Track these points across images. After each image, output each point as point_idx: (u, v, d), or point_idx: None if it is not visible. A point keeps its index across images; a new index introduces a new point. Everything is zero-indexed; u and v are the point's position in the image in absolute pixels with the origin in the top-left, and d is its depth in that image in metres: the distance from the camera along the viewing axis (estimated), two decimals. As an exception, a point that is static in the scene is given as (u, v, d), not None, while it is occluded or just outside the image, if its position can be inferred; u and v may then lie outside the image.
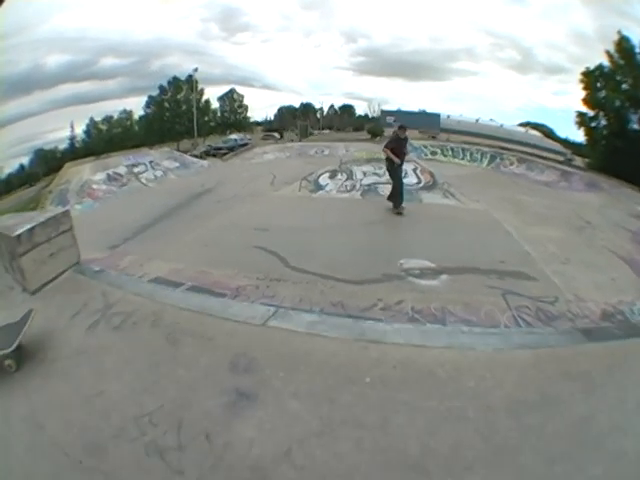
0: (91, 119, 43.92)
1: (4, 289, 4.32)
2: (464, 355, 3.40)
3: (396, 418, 2.78)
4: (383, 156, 9.95)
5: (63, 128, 40.94)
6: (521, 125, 43.05)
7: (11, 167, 35.55)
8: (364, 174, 12.89)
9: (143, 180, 18.62)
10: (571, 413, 2.76)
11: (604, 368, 3.10)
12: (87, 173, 17.69)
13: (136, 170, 19.17)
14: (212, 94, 51.31)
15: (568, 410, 2.78)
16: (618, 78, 21.22)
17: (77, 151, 38.70)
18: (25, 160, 37.60)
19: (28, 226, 4.12)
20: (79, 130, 42.70)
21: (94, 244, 8.37)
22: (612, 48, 21.30)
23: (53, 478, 2.47)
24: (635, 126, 20.53)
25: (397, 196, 9.60)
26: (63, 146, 40.88)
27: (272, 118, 60.80)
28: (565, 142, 33.25)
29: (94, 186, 16.64)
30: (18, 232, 4.04)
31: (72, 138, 42.41)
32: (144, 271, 6.47)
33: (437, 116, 37.67)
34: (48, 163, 35.19)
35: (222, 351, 3.08)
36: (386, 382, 3.05)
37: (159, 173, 19.93)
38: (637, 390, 2.94)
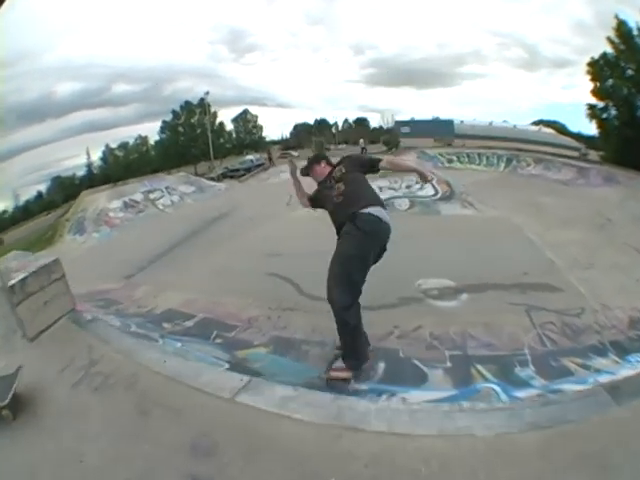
0: (107, 146, 44.66)
1: (8, 332, 4.30)
2: (458, 444, 2.74)
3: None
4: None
5: (79, 155, 41.77)
6: (534, 124, 42.74)
7: (29, 194, 36.45)
8: (380, 189, 12.24)
9: (160, 206, 18.74)
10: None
11: (625, 439, 2.54)
12: (103, 201, 17.95)
13: (152, 196, 19.31)
14: (226, 116, 51.77)
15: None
16: (622, 64, 21.04)
17: (94, 178, 39.31)
18: (43, 187, 38.52)
19: (21, 276, 4.15)
20: (95, 157, 43.50)
21: (110, 273, 8.63)
22: (612, 34, 21.19)
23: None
24: None
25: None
26: (80, 173, 41.72)
27: (288, 136, 61.26)
28: (578, 136, 32.98)
29: (111, 214, 16.86)
30: (12, 283, 4.08)
31: (89, 165, 43.23)
32: (157, 302, 6.45)
33: (450, 122, 37.65)
34: (66, 190, 35.72)
35: (186, 429, 2.86)
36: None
37: (176, 198, 20.02)
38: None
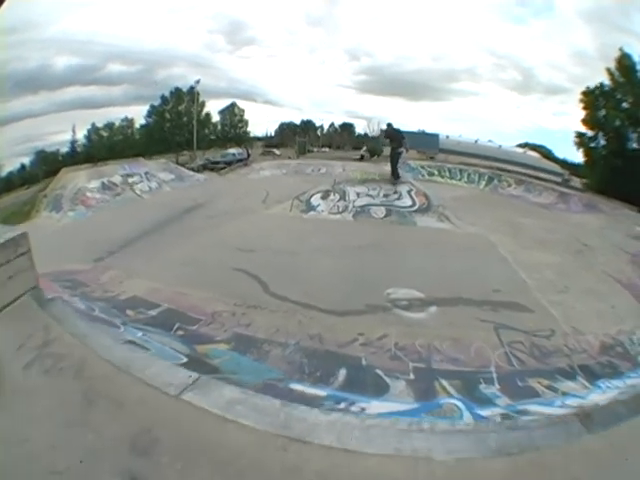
0: (93, 124, 43.84)
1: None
2: (413, 468, 2.48)
3: None
4: None
5: (65, 131, 40.97)
6: (520, 146, 43.31)
7: (13, 166, 35.77)
8: (357, 195, 12.50)
9: (137, 191, 18.42)
10: None
11: (598, 471, 2.37)
12: (82, 180, 17.49)
13: (131, 180, 18.93)
14: (214, 107, 51.32)
15: None
16: (618, 97, 21.38)
17: (77, 156, 38.66)
18: (26, 160, 37.82)
19: (-14, 248, 3.93)
20: (81, 135, 42.76)
21: (80, 254, 8.45)
22: (613, 66, 21.45)
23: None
24: (634, 145, 20.61)
25: None
26: (64, 149, 40.99)
27: (272, 134, 61.06)
28: (563, 163, 33.44)
29: (88, 194, 16.48)
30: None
31: (73, 142, 42.38)
32: (123, 288, 6.34)
33: (436, 136, 37.75)
34: (48, 165, 34.98)
35: (128, 422, 2.69)
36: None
37: (154, 185, 19.69)
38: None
